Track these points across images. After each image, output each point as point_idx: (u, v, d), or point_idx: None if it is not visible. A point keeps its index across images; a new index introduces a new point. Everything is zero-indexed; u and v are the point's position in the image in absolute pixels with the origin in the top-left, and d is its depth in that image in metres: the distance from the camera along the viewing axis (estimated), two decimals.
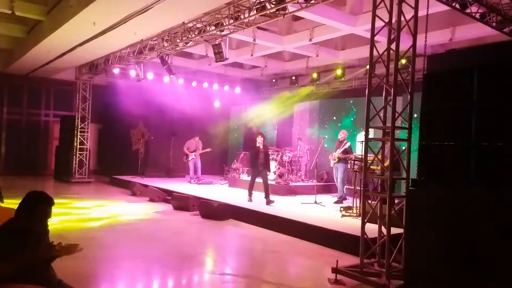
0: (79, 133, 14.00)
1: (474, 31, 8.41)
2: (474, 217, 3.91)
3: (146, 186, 11.32)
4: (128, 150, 14.93)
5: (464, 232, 4.15)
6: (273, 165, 11.92)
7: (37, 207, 2.90)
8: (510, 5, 6.82)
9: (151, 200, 10.44)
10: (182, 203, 9.37)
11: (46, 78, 14.93)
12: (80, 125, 14.03)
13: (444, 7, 6.52)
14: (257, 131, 10.18)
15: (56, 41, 10.20)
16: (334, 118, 12.94)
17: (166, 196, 10.31)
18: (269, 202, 9.12)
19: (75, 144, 13.94)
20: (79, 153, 14.00)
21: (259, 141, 9.52)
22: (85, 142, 14.16)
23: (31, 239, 2.82)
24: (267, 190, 9.32)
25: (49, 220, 3.11)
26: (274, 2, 6.86)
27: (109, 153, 15.52)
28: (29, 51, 11.48)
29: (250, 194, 9.52)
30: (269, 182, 11.52)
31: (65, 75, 14.60)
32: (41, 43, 10.51)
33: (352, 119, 12.35)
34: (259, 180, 9.67)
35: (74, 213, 8.45)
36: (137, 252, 5.91)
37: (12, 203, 8.44)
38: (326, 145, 11.59)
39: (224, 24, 8.06)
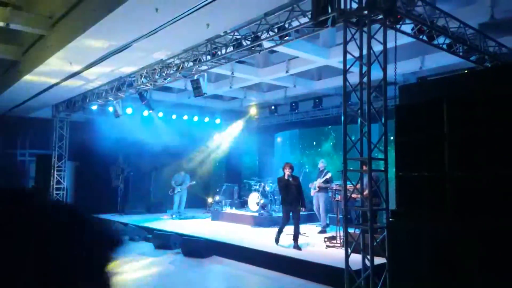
0: (55, 172, 13.63)
1: (443, 59, 8.74)
2: (451, 247, 3.94)
3: (125, 224, 11.02)
4: (107, 187, 14.56)
5: (445, 261, 4.17)
6: (255, 196, 11.86)
7: None
8: (474, 35, 7.17)
9: (131, 239, 10.14)
10: (163, 241, 9.13)
11: (22, 117, 14.63)
12: (57, 163, 13.69)
13: (412, 38, 6.79)
14: (285, 163, 8.54)
15: (33, 81, 10.10)
16: (314, 143, 13.13)
17: (147, 235, 10.05)
18: (296, 246, 7.87)
19: (51, 183, 13.53)
20: (55, 193, 13.58)
21: (288, 172, 8.24)
22: (62, 181, 13.78)
23: None
24: (297, 232, 8.08)
25: None
26: (249, 39, 7.01)
27: (88, 191, 15.01)
28: (4, 91, 11.32)
29: (277, 239, 8.19)
30: (254, 214, 11.48)
31: (41, 113, 14.32)
32: (17, 83, 10.39)
33: (331, 143, 12.56)
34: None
35: None
36: None
37: None
38: (307, 170, 11.68)
39: (202, 60, 8.17)
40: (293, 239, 7.98)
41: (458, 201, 4.05)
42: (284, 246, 8.05)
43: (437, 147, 4.22)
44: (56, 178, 13.65)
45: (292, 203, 8.15)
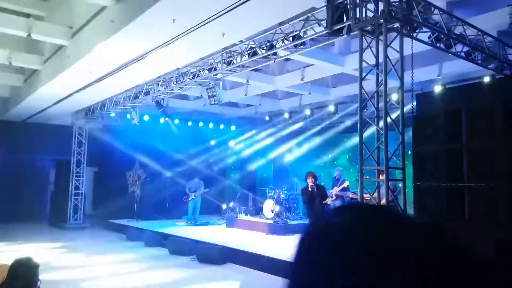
0: (74, 178, 13.89)
1: (461, 67, 8.60)
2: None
3: (141, 230, 11.13)
4: (124, 193, 14.77)
5: None
6: (270, 203, 11.83)
7: (21, 275, 2.90)
8: (493, 43, 7.06)
9: (147, 244, 10.23)
10: (178, 247, 9.18)
11: (42, 123, 15.00)
12: (76, 169, 13.95)
13: (429, 46, 6.73)
14: (306, 172, 7.99)
15: (53, 89, 10.36)
16: (330, 156, 13.01)
17: (163, 240, 10.12)
18: None
19: (70, 189, 13.79)
20: (74, 198, 13.83)
21: (310, 183, 7.64)
22: (80, 186, 14.03)
23: None
24: None
25: (39, 283, 3.09)
26: (264, 48, 7.07)
27: (105, 197, 15.25)
28: (26, 98, 11.63)
29: None
30: (269, 221, 11.44)
31: (61, 120, 14.67)
32: (38, 91, 10.67)
33: (347, 156, 12.40)
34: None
35: (66, 262, 8.25)
36: None
37: (5, 252, 8.26)
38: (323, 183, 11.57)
39: (218, 68, 8.25)
40: None
41: (476, 212, 3.97)
42: None
43: (456, 157, 4.16)
44: (75, 183, 13.91)
45: (317, 216, 7.61)
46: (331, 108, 12.64)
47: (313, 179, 7.61)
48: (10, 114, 13.82)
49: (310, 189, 7.59)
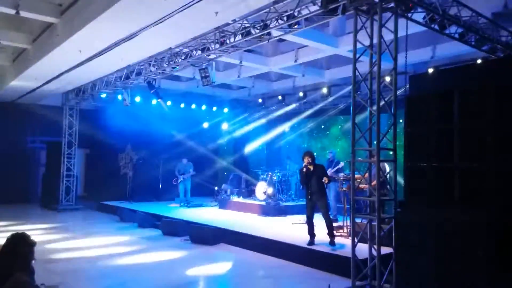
0: (65, 159, 13.79)
1: (454, 49, 8.59)
2: (458, 238, 3.94)
3: (134, 211, 11.17)
4: (117, 175, 14.73)
5: (451, 252, 4.17)
6: (262, 185, 11.90)
7: (17, 250, 2.90)
8: (487, 24, 7.04)
9: (140, 225, 10.28)
10: (171, 228, 9.25)
11: (32, 104, 14.78)
12: (67, 151, 13.84)
13: (424, 27, 6.69)
14: (304, 152, 7.62)
15: (42, 68, 10.17)
16: (320, 146, 13.04)
17: (156, 221, 10.17)
18: (332, 242, 7.14)
19: (61, 170, 13.71)
20: (66, 180, 13.76)
21: (305, 162, 7.35)
22: (72, 168, 13.95)
23: (12, 283, 2.78)
24: (330, 226, 7.23)
25: (33, 261, 3.10)
26: (258, 28, 6.97)
27: (97, 178, 15.24)
28: (15, 78, 11.42)
29: (311, 235, 7.27)
30: (261, 203, 11.52)
31: (51, 101, 14.45)
32: (27, 71, 10.47)
33: (338, 150, 12.34)
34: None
35: (60, 242, 8.27)
36: (124, 284, 5.77)
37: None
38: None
39: (211, 48, 8.14)
40: (328, 235, 7.21)
41: (466, 193, 4.03)
42: (289, 235, 8.10)
43: (447, 138, 4.19)
44: (66, 165, 13.81)
45: (312, 196, 7.23)
46: (325, 90, 12.59)
47: (309, 159, 7.31)
48: None
49: (305, 169, 7.33)
